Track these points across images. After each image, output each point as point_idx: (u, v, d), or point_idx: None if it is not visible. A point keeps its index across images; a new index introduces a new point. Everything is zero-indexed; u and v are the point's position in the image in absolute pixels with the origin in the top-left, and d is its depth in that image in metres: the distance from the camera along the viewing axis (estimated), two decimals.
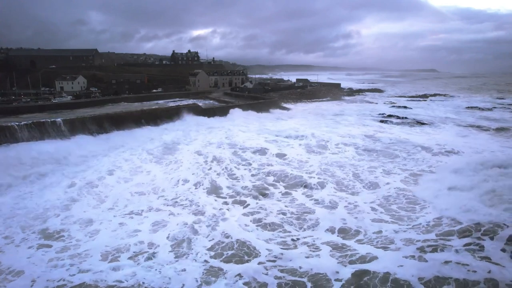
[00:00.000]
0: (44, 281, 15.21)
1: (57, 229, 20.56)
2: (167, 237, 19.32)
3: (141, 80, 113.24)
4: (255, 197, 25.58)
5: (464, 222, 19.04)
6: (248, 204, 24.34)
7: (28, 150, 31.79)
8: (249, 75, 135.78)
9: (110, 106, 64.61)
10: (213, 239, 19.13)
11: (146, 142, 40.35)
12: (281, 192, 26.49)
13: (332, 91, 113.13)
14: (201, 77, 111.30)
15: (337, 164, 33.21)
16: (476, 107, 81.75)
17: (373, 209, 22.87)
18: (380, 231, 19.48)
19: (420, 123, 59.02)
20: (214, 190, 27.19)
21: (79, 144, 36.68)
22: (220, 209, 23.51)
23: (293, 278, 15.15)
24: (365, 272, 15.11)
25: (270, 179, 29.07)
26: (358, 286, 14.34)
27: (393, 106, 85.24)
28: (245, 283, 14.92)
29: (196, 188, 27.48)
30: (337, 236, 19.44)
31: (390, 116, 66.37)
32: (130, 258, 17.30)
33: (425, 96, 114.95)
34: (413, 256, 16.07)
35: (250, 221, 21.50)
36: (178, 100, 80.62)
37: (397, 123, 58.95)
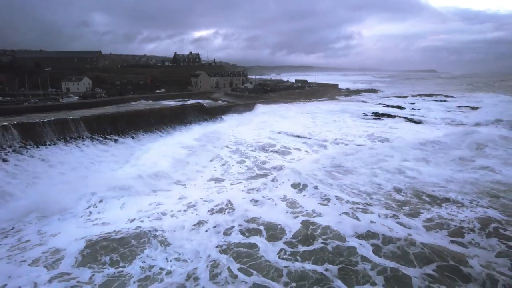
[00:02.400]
0: None
1: None
2: None
3: (144, 81, 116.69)
4: None
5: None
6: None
7: None
8: (249, 76, 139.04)
9: (122, 105, 68.28)
10: None
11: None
12: None
13: (329, 91, 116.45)
14: (203, 78, 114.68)
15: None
16: (467, 106, 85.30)
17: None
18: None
19: (411, 120, 62.38)
20: None
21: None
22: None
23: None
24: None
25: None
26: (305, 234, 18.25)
27: (387, 106, 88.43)
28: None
29: None
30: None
31: (383, 114, 69.66)
32: None
33: (419, 96, 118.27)
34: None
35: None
36: (182, 100, 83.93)
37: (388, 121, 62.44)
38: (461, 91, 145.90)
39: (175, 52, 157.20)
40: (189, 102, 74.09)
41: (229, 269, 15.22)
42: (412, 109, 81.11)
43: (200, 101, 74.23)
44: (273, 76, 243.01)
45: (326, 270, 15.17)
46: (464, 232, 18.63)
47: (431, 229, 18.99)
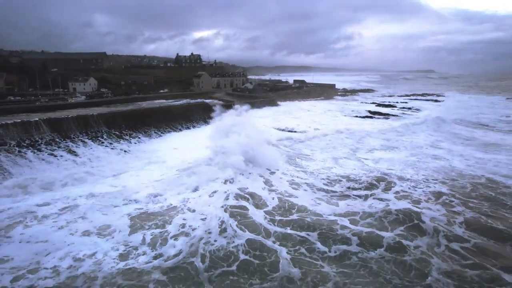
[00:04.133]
0: None
1: None
2: None
3: (148, 82, 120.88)
4: None
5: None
6: None
7: None
8: (248, 76, 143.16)
9: (134, 104, 72.79)
10: None
11: None
12: None
13: (326, 91, 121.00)
14: (205, 79, 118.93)
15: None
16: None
17: None
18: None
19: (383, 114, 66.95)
20: None
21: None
22: None
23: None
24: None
25: None
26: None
27: (379, 105, 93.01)
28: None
29: None
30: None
31: (375, 113, 74.22)
32: None
33: (413, 95, 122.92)
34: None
35: None
36: (185, 100, 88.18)
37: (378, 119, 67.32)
38: (451, 90, 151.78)
39: (177, 53, 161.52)
40: (194, 101, 78.32)
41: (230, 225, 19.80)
42: (403, 107, 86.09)
43: (207, 101, 78.26)
44: (272, 76, 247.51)
45: (308, 234, 19.38)
46: (421, 199, 23.59)
47: (400, 199, 23.67)
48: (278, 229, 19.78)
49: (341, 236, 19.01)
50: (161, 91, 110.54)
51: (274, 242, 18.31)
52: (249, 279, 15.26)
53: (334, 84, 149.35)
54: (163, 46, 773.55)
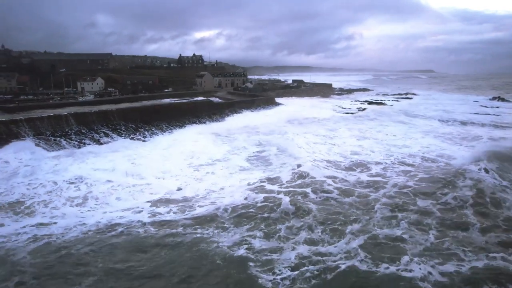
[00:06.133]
0: None
1: None
2: None
3: (152, 81, 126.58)
4: None
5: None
6: None
7: None
8: (248, 76, 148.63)
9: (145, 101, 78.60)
10: None
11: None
12: None
13: (323, 90, 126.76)
14: (207, 78, 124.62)
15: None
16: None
17: None
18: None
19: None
20: None
21: None
22: None
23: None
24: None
25: None
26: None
27: (370, 103, 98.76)
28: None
29: None
30: None
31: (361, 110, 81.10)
32: None
33: (406, 95, 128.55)
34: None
35: None
36: (189, 98, 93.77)
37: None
38: (440, 91, 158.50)
39: (180, 54, 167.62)
40: (200, 99, 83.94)
41: None
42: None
43: (211, 98, 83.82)
44: (271, 76, 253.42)
45: (304, 189, 25.89)
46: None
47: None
48: (283, 190, 26.24)
49: (327, 189, 25.72)
50: (166, 90, 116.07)
51: (279, 193, 25.20)
52: (261, 213, 22.03)
53: (331, 84, 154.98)
54: (164, 46, 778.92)
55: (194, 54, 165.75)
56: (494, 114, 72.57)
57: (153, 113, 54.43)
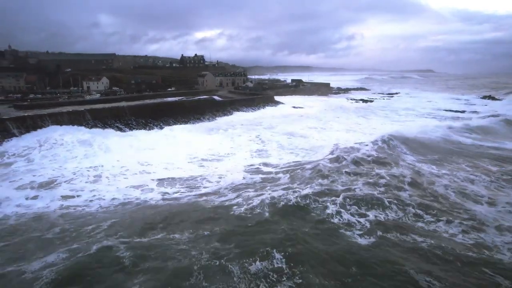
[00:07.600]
0: None
1: None
2: None
3: (156, 81, 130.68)
4: None
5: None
6: None
7: None
8: (248, 76, 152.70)
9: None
10: None
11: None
12: None
13: (320, 90, 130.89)
14: (209, 78, 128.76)
15: None
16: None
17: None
18: None
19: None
20: None
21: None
22: None
23: None
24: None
25: None
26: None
27: (362, 101, 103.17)
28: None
29: None
30: None
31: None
32: None
33: (397, 94, 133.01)
34: None
35: None
36: (192, 97, 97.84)
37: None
38: (432, 91, 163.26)
39: (182, 54, 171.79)
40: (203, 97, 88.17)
41: None
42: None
43: (214, 97, 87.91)
44: (271, 76, 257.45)
45: (302, 165, 29.83)
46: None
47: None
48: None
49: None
50: (169, 89, 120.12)
51: (277, 173, 29.77)
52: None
53: (329, 83, 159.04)
54: (166, 46, 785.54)
55: (195, 54, 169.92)
56: (472, 111, 78.33)
57: (160, 110, 58.58)
